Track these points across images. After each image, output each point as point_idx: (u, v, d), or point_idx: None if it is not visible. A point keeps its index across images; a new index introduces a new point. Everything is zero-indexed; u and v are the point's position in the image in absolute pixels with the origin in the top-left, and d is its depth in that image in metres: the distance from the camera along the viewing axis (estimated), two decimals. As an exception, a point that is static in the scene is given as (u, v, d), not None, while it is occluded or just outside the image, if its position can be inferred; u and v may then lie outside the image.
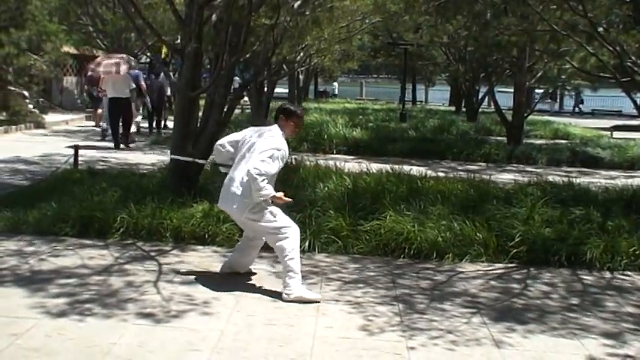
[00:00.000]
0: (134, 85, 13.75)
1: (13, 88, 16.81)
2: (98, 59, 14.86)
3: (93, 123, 17.59)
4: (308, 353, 3.95)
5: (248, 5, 6.75)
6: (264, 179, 4.70)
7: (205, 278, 5.24)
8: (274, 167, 4.81)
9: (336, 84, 44.76)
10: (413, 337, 4.23)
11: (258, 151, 4.82)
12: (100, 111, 16.50)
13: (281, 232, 4.88)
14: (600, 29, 8.18)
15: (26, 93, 17.09)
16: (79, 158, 9.23)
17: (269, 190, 4.76)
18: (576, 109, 35.05)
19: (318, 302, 4.78)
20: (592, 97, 32.89)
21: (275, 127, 5.04)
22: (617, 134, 19.57)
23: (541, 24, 9.27)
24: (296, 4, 7.73)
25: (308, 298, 4.79)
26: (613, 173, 12.76)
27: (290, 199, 5.04)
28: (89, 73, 14.82)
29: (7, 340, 3.91)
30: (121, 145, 13.22)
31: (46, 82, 19.69)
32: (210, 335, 4.12)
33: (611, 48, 7.97)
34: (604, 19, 8.83)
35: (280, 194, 4.86)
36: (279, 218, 4.92)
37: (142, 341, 3.98)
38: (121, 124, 13.45)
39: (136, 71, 14.59)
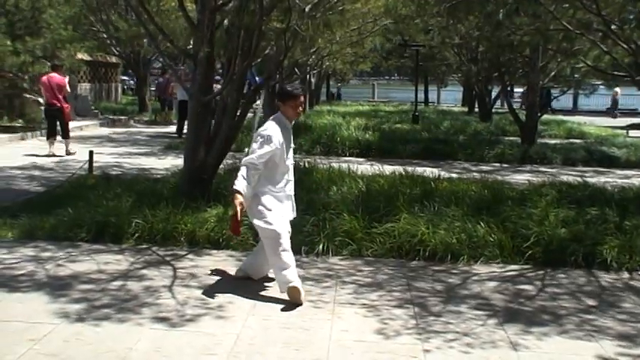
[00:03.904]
0: None
1: (28, 96, 17.01)
2: (170, 70, 18.82)
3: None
4: (324, 357, 3.94)
5: (259, 10, 6.77)
6: (246, 168, 4.69)
7: (220, 282, 5.26)
8: (261, 151, 4.71)
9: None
10: (429, 340, 4.22)
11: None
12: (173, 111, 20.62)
13: (269, 229, 4.76)
14: (614, 27, 8.10)
15: (41, 100, 17.26)
16: (94, 164, 9.31)
17: (239, 185, 4.65)
18: (549, 108, 34.47)
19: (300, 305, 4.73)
20: (607, 95, 32.56)
21: (272, 117, 5.01)
22: (632, 133, 19.40)
23: (554, 23, 9.21)
24: (307, 8, 7.72)
25: (296, 298, 4.72)
26: (629, 172, 12.64)
27: (238, 233, 4.96)
28: (158, 80, 20.36)
29: (26, 345, 3.95)
30: (183, 135, 15.49)
31: (60, 89, 19.83)
32: (226, 339, 4.13)
33: (625, 46, 7.91)
34: (617, 16, 8.74)
35: (238, 203, 4.61)
36: (269, 214, 4.79)
37: (158, 346, 4.00)
38: None
39: None
